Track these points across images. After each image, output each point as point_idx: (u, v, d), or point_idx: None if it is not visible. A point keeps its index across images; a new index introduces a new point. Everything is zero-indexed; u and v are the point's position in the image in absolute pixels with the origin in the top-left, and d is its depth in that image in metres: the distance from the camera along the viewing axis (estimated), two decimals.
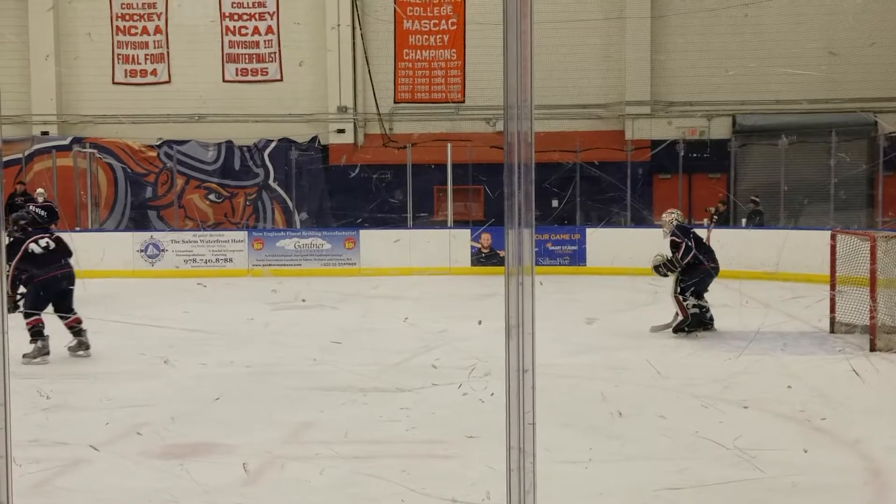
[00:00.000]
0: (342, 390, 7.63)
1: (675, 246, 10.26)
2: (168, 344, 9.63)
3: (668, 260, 10.33)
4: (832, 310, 10.41)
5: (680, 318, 10.22)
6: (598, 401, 7.08)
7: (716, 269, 10.41)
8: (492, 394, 6.75)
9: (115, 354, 9.23)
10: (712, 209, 19.69)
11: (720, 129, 21.67)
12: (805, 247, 13.82)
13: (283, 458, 5.70)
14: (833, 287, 10.45)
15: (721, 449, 5.66)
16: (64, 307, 9.22)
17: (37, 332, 8.95)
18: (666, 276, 10.42)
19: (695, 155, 20.43)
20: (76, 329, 9.22)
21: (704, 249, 10.47)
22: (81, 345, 9.20)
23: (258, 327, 11.12)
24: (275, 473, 5.49)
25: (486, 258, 17.98)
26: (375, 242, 17.98)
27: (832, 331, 10.35)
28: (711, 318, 10.44)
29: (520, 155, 3.23)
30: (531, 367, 3.27)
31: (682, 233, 10.33)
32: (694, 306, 10.15)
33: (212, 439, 6.14)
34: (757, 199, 19.48)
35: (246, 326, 11.20)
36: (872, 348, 9.23)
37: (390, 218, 19.84)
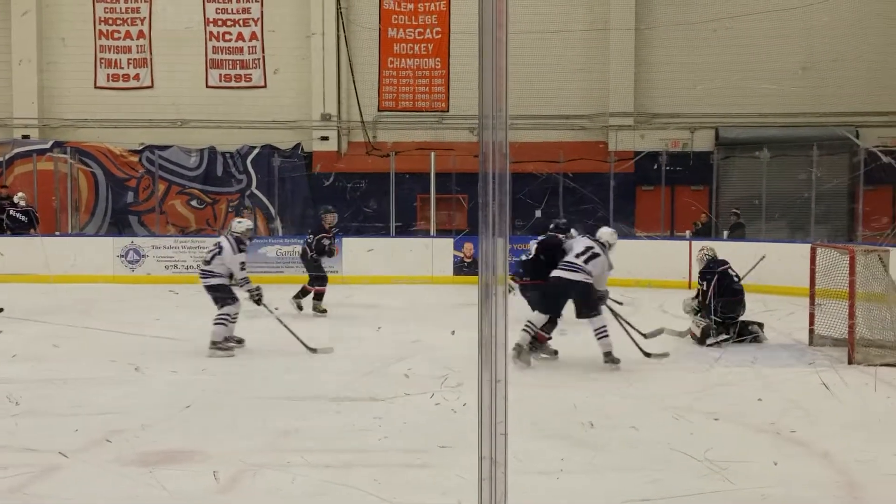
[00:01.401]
0: (315, 399, 7.59)
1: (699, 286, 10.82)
2: (139, 351, 9.56)
3: (695, 308, 10.86)
4: (811, 322, 10.46)
5: (699, 331, 10.54)
6: (570, 411, 7.07)
7: (737, 295, 10.70)
8: (464, 404, 6.74)
9: (85, 361, 9.14)
10: (699, 223, 19.78)
11: (703, 142, 21.78)
12: (784, 260, 13.88)
13: (255, 467, 5.65)
14: (812, 300, 10.49)
15: (692, 461, 5.66)
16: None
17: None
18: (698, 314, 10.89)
19: (668, 168, 20.52)
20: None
21: (729, 282, 10.68)
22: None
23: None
24: (247, 482, 5.44)
25: (468, 267, 17.96)
26: (358, 251, 17.91)
27: (811, 343, 10.38)
28: (760, 330, 10.74)
29: (494, 164, 3.22)
30: (504, 377, 3.26)
31: (705, 274, 10.72)
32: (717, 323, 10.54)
33: (183, 447, 6.09)
34: (738, 212, 19.56)
35: None
36: (850, 361, 9.26)
37: (373, 226, 19.81)
